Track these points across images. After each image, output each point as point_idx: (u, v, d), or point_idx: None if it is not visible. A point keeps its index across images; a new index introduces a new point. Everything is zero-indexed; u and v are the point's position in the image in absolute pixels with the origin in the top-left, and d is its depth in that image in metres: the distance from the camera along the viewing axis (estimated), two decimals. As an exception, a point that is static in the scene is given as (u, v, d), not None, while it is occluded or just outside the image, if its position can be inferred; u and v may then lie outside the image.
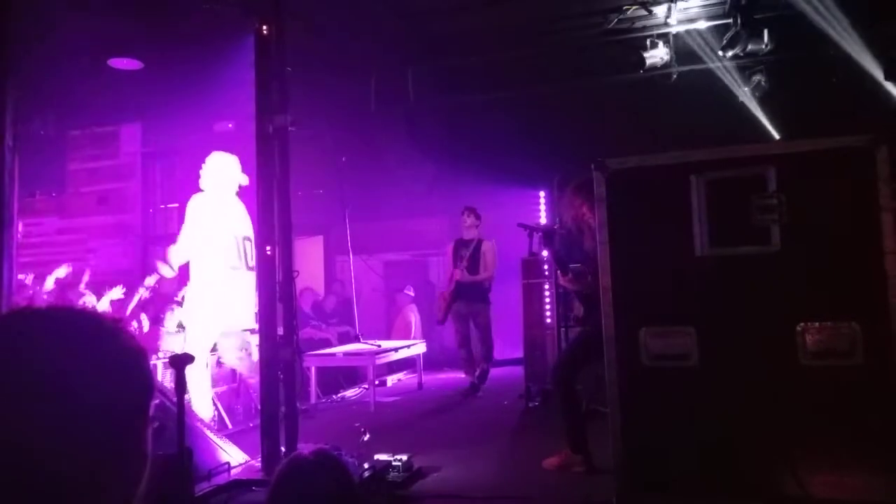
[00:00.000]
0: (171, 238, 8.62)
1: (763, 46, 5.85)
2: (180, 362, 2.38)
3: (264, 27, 3.62)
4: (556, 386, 3.61)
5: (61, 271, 5.26)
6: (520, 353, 5.86)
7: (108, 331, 0.64)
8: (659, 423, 2.72)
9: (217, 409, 4.83)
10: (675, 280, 2.75)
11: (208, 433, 3.61)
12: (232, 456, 3.50)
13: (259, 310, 3.64)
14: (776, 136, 6.34)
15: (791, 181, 2.61)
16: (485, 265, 5.97)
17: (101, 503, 0.58)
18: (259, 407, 4.00)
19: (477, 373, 6.07)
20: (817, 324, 2.56)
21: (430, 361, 7.24)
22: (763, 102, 6.39)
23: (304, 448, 3.29)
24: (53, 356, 0.58)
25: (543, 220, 7.36)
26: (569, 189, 3.74)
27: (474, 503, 3.15)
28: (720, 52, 6.10)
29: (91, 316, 0.66)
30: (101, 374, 0.60)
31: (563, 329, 5.26)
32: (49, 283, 5.23)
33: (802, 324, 2.57)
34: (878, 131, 2.55)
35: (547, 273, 5.68)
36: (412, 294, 8.28)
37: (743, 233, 2.65)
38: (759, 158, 2.69)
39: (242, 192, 4.97)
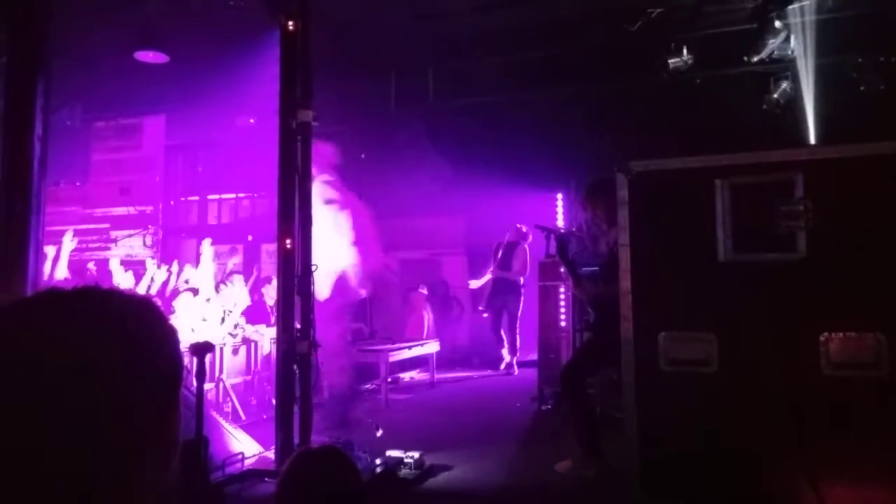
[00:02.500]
0: (191, 230, 8.75)
1: (789, 52, 5.77)
2: (200, 351, 2.41)
3: (290, 23, 3.65)
4: (565, 390, 3.58)
5: (69, 241, 5.25)
6: (534, 356, 5.83)
7: (137, 311, 0.60)
8: (676, 428, 2.68)
9: (232, 400, 4.86)
10: (697, 285, 2.71)
11: (223, 423, 3.65)
12: (246, 446, 3.54)
13: (277, 303, 3.67)
14: (807, 141, 6.24)
15: (818, 188, 2.57)
16: (518, 264, 6.89)
17: (131, 487, 0.56)
18: (273, 399, 4.03)
19: (502, 367, 7.13)
20: (841, 333, 2.51)
21: (443, 361, 7.23)
22: (789, 108, 6.30)
23: (316, 442, 3.32)
24: (81, 339, 0.55)
25: (561, 223, 7.36)
26: (583, 191, 3.71)
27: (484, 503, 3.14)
28: (745, 58, 6.03)
29: (119, 295, 0.61)
30: (131, 357, 0.56)
31: (577, 332, 5.22)
32: (64, 258, 5.21)
33: (826, 333, 2.52)
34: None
35: (563, 275, 5.65)
36: (426, 293, 8.29)
37: (768, 239, 2.61)
38: (787, 164, 2.65)
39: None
